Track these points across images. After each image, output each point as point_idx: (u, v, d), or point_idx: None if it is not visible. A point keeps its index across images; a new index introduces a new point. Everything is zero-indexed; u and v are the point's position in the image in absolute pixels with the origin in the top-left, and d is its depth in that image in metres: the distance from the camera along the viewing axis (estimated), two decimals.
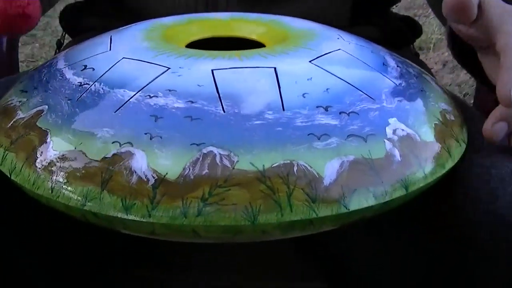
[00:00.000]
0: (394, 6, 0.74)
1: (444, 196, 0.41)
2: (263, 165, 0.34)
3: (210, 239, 0.35)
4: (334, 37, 0.46)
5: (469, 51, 0.46)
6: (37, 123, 0.38)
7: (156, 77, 0.38)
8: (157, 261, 0.60)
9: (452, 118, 0.43)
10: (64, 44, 0.78)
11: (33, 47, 1.91)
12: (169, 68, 0.39)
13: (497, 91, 0.40)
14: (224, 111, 0.36)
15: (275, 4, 0.63)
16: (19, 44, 0.84)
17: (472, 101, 0.83)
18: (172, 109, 0.36)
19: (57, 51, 0.78)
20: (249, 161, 0.34)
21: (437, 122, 0.41)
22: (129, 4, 0.66)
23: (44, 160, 0.36)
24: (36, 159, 0.36)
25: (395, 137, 0.37)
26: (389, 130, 0.38)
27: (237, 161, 0.34)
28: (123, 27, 0.49)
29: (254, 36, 0.48)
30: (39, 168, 0.36)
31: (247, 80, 0.38)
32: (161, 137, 0.35)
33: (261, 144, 0.35)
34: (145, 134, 0.35)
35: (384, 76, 0.42)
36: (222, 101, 0.37)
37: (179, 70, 0.39)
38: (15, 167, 0.37)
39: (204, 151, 0.34)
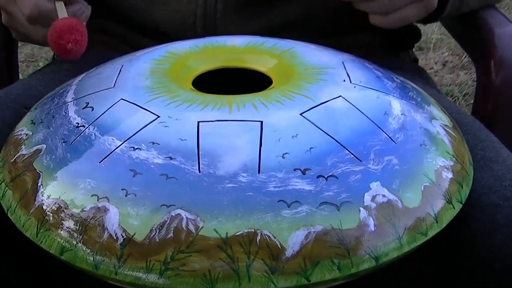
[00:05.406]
0: None
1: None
2: (227, 233, 0.35)
3: None
4: (341, 78, 0.45)
5: None
6: (33, 164, 0.40)
7: (144, 126, 0.40)
8: None
9: (450, 175, 0.41)
10: None
11: (33, 47, 1.90)
12: (158, 117, 0.40)
13: None
14: (199, 171, 0.37)
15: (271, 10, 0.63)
16: (19, 44, 0.83)
17: (472, 101, 0.80)
18: (151, 165, 0.37)
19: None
20: (213, 227, 0.35)
21: (427, 184, 0.39)
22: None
23: (33, 204, 0.38)
24: (27, 202, 0.39)
25: (373, 205, 0.37)
26: (367, 197, 0.37)
27: (202, 227, 0.35)
28: (139, 53, 0.50)
29: (263, 69, 0.48)
30: (28, 211, 0.38)
31: (230, 136, 0.39)
32: (135, 195, 0.36)
33: (228, 211, 0.35)
34: (122, 190, 0.37)
35: (380, 129, 0.41)
36: (200, 159, 0.37)
37: (167, 120, 0.40)
38: (11, 206, 0.39)
39: (173, 213, 0.35)
